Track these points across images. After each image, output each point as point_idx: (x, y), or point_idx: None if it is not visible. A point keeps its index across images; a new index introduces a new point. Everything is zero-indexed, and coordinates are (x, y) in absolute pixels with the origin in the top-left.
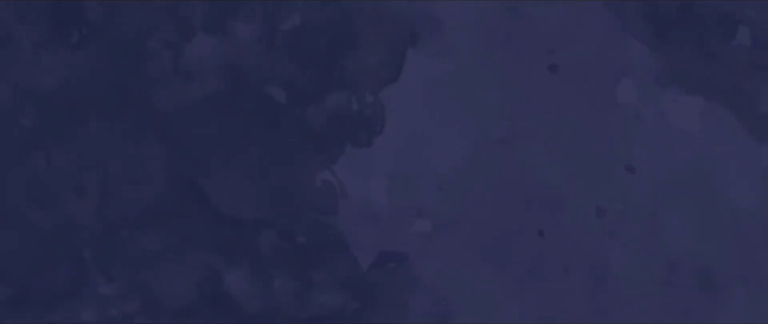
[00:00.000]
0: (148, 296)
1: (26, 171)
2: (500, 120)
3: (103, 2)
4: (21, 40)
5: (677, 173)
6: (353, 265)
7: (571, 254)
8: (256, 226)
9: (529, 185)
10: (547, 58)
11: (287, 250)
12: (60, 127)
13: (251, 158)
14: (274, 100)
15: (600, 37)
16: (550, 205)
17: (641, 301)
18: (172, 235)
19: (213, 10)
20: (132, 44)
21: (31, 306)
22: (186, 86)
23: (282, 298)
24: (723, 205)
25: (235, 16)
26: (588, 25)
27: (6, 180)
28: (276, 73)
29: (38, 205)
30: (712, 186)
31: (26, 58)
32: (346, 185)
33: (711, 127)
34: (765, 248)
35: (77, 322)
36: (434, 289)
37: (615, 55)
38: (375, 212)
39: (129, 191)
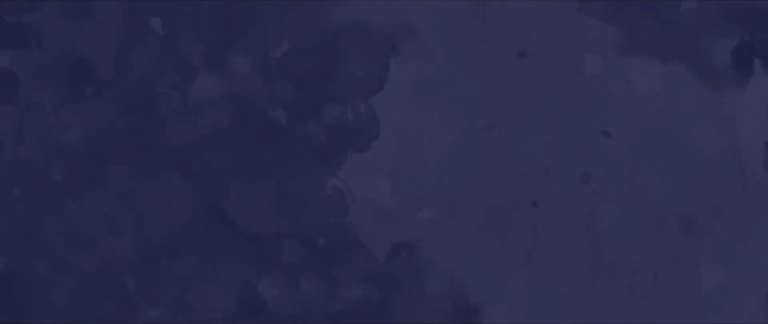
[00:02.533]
0: (191, 314)
1: (65, 220)
2: (482, 108)
3: (112, 58)
4: (41, 102)
5: (648, 131)
6: (371, 258)
7: (565, 219)
8: (278, 237)
9: (517, 163)
10: (516, 47)
11: (309, 254)
12: (89, 175)
13: (265, 177)
14: (277, 121)
15: (561, 21)
16: (539, 177)
17: (633, 251)
18: (204, 257)
19: (210, 49)
20: (142, 91)
21: None
22: (196, 121)
23: (312, 298)
24: (693, 154)
25: (230, 52)
26: (549, 12)
27: (48, 231)
28: (275, 97)
29: (80, 249)
30: (681, 138)
31: (49, 119)
32: (353, 188)
33: (672, 86)
34: (736, 186)
35: None
36: (447, 269)
37: (577, 35)
38: (383, 208)
39: (160, 223)
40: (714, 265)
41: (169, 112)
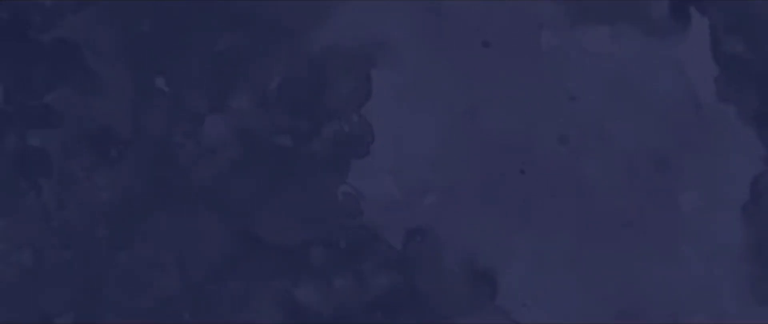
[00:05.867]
0: None
1: (115, 270)
2: (460, 97)
3: (128, 120)
4: (73, 171)
5: (609, 87)
6: (389, 248)
7: (551, 180)
8: (305, 246)
9: (500, 138)
10: (478, 38)
11: (335, 255)
12: (128, 227)
13: (283, 196)
14: (284, 146)
15: (513, 6)
16: (522, 147)
17: (618, 195)
18: (244, 277)
19: (213, 95)
20: (160, 144)
21: None
22: (213, 160)
23: (345, 294)
24: (653, 99)
25: (231, 94)
26: (501, 1)
27: (104, 282)
28: (277, 125)
29: (134, 291)
30: (639, 87)
31: (83, 184)
32: (362, 190)
33: (622, 43)
34: (696, 120)
35: None
36: (458, 243)
37: (530, 17)
38: (391, 203)
39: (200, 256)
40: (690, 192)
41: (187, 157)
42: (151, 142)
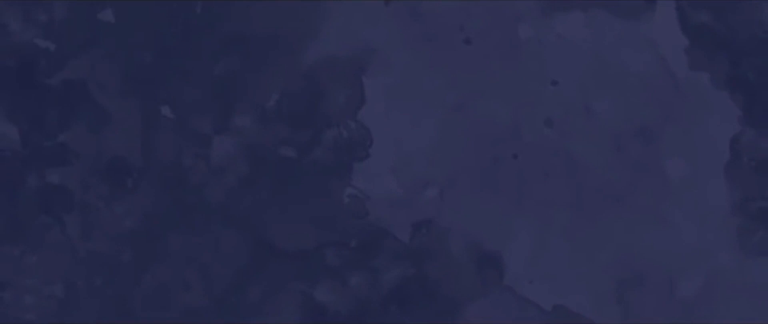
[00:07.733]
0: None
1: (142, 288)
2: (449, 94)
3: (139, 149)
4: (94, 202)
5: (587, 70)
6: (398, 243)
7: (542, 162)
8: (318, 249)
9: (490, 128)
10: (460, 36)
11: (347, 255)
12: (151, 249)
13: (292, 204)
14: (288, 157)
15: (491, 4)
16: (512, 134)
17: (607, 170)
18: (264, 284)
19: (216, 117)
20: (172, 168)
21: None
22: (224, 178)
23: (360, 290)
24: (630, 76)
25: (233, 115)
26: (479, 0)
27: (133, 302)
28: (280, 138)
29: (163, 309)
30: (616, 67)
31: (104, 214)
32: (366, 191)
33: (595, 28)
34: (672, 91)
35: None
36: (461, 231)
37: (507, 11)
38: (394, 200)
39: (219, 269)
40: (675, 160)
41: (198, 177)
42: (163, 167)
